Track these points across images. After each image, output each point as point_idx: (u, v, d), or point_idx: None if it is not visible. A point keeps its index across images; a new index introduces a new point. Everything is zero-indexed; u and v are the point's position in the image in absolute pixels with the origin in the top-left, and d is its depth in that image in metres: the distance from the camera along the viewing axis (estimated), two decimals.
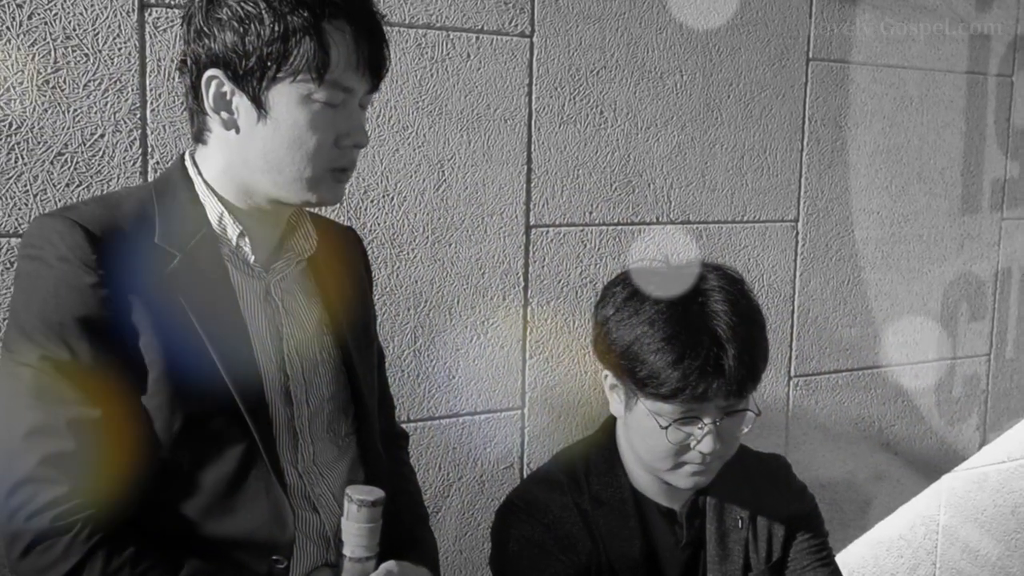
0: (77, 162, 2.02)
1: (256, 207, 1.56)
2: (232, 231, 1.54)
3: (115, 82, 2.04)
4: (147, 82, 2.07)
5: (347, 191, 2.28)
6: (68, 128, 2.01)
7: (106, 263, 1.42)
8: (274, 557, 1.52)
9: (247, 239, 1.55)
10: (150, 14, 2.07)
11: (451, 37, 2.41)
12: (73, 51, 2.00)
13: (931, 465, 3.42)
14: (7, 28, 1.94)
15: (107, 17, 2.02)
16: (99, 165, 2.04)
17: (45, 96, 1.98)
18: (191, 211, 1.54)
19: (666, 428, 1.72)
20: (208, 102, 1.50)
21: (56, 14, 1.98)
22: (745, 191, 2.89)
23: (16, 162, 1.97)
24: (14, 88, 1.95)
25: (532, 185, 2.55)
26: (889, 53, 3.12)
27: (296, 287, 1.64)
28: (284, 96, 1.48)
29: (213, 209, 1.54)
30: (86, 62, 2.01)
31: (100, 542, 1.39)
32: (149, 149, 2.09)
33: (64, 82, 2.00)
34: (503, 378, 2.57)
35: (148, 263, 1.46)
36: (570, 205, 2.61)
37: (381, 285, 2.37)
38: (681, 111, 2.76)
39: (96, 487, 1.41)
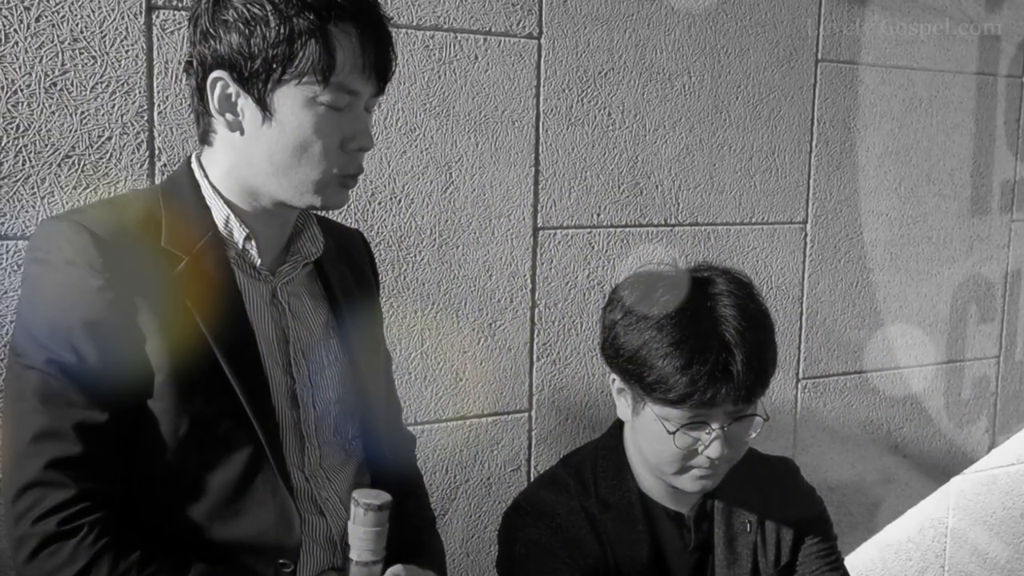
0: (84, 164, 2.02)
1: (262, 209, 1.56)
2: (238, 234, 1.54)
3: (123, 84, 2.04)
4: (155, 84, 2.07)
5: (354, 193, 2.28)
6: (75, 130, 2.01)
7: (112, 266, 1.42)
8: (280, 561, 1.52)
9: (253, 242, 1.55)
10: (158, 16, 2.07)
11: (458, 39, 2.40)
12: (80, 53, 2.00)
13: (940, 468, 3.41)
14: (15, 30, 1.94)
15: (115, 19, 2.02)
16: (107, 167, 2.04)
17: (52, 98, 1.98)
18: (197, 214, 1.54)
19: (673, 433, 1.72)
20: (213, 104, 1.50)
21: (64, 16, 1.98)
22: (753, 193, 2.88)
23: (24, 164, 1.97)
24: (22, 90, 1.95)
25: (540, 187, 2.55)
26: (898, 54, 3.11)
27: (303, 290, 1.64)
28: (289, 98, 1.47)
29: (219, 212, 1.54)
30: (93, 64, 2.01)
31: (106, 546, 1.40)
32: (157, 151, 2.08)
33: (71, 84, 1.99)
34: (510, 380, 2.57)
35: (154, 266, 1.46)
36: (578, 207, 2.61)
37: (388, 287, 2.37)
38: (689, 113, 2.75)
39: (102, 491, 1.42)
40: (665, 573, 1.87)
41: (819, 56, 2.96)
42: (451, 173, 2.42)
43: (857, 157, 3.07)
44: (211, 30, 1.49)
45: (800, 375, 3.04)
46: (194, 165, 1.58)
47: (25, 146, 1.97)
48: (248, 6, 1.46)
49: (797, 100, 2.94)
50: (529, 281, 2.56)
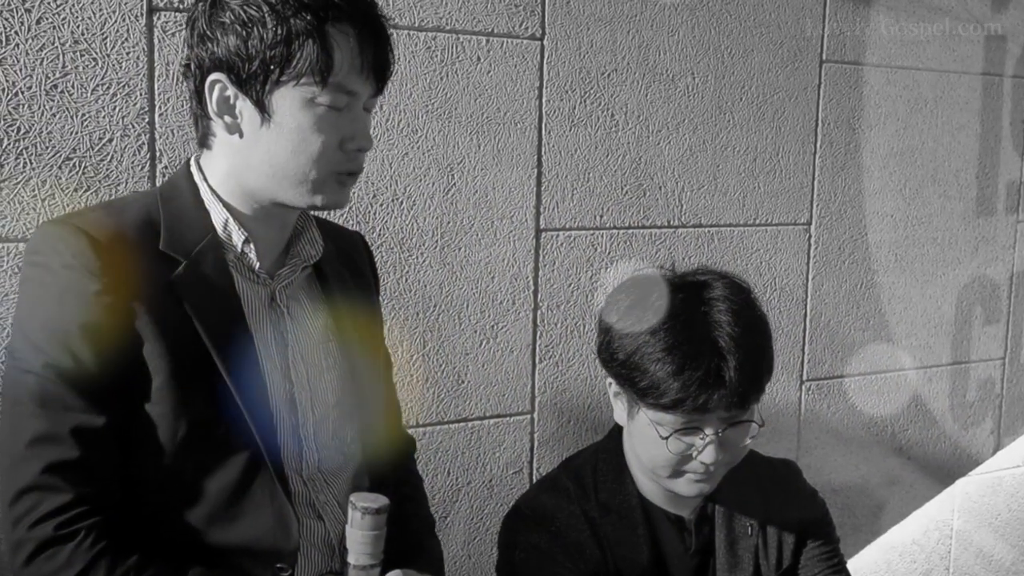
0: (85, 167, 2.02)
1: (261, 212, 1.56)
2: (237, 237, 1.54)
3: (123, 86, 2.04)
4: (155, 86, 2.07)
5: (356, 195, 2.28)
6: (76, 133, 2.01)
7: (110, 270, 1.41)
8: (278, 565, 1.51)
9: (252, 245, 1.55)
10: (158, 18, 2.06)
11: (461, 40, 2.40)
12: (81, 55, 2.00)
13: (945, 470, 3.40)
14: (15, 33, 1.93)
15: (115, 21, 2.02)
16: (107, 170, 2.04)
17: (53, 101, 1.98)
18: (196, 217, 1.53)
19: (666, 438, 1.71)
20: (212, 106, 1.50)
21: (64, 18, 1.97)
22: (757, 194, 2.87)
23: (24, 167, 1.97)
24: (22, 92, 1.95)
25: (542, 188, 2.54)
26: (903, 55, 3.10)
27: (302, 293, 1.64)
28: (287, 100, 1.47)
29: (218, 215, 1.54)
30: (94, 66, 2.01)
31: (104, 550, 1.39)
32: (158, 153, 2.08)
33: (72, 86, 1.99)
34: (512, 382, 2.56)
35: (152, 270, 1.46)
36: (580, 209, 2.60)
37: (390, 289, 2.36)
38: (693, 114, 2.74)
39: (100, 495, 1.42)
40: None
41: (823, 57, 2.95)
42: (453, 175, 2.42)
43: (862, 158, 3.06)
44: (208, 32, 1.48)
45: (804, 377, 3.03)
46: (193, 168, 1.58)
47: (26, 148, 1.97)
48: (245, 8, 1.45)
49: (801, 101, 2.93)
50: (531, 283, 2.56)
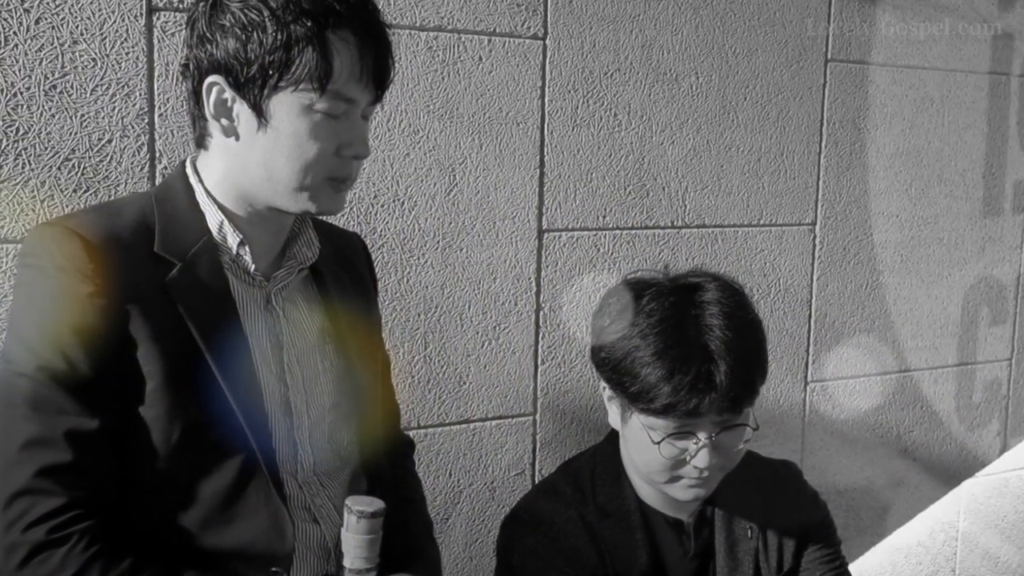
0: (85, 167, 2.01)
1: (257, 215, 1.55)
2: (232, 240, 1.53)
3: (123, 87, 2.03)
4: (155, 87, 2.07)
5: (357, 196, 2.28)
6: (75, 133, 2.00)
7: (104, 273, 1.41)
8: (273, 569, 1.50)
9: (247, 248, 1.54)
10: (158, 18, 2.06)
11: (462, 40, 2.39)
12: (80, 56, 1.99)
13: (950, 471, 3.38)
14: (14, 33, 1.93)
15: (115, 21, 2.01)
16: (107, 170, 2.03)
17: (52, 101, 1.98)
18: (191, 219, 1.53)
19: (659, 443, 1.70)
20: (209, 108, 1.49)
21: (63, 19, 1.97)
22: (762, 194, 2.86)
23: (23, 168, 1.96)
24: (21, 93, 1.95)
25: (545, 189, 2.53)
26: (909, 54, 3.08)
27: (298, 296, 1.63)
28: (285, 105, 1.46)
29: (213, 217, 1.53)
30: (94, 67, 2.00)
31: (97, 553, 1.39)
32: (157, 154, 2.08)
33: (71, 87, 1.99)
34: (515, 384, 2.55)
35: (147, 272, 1.45)
36: (583, 209, 2.59)
37: (391, 290, 2.36)
38: (696, 113, 2.73)
39: (93, 498, 1.41)
40: None
41: (829, 56, 2.93)
42: (455, 175, 2.41)
43: (867, 158, 3.05)
44: (208, 34, 1.48)
45: (808, 378, 3.01)
46: (188, 170, 1.57)
47: (25, 149, 1.96)
48: (245, 11, 1.44)
49: (806, 100, 2.91)
50: (534, 284, 2.55)
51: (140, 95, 2.05)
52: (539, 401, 2.59)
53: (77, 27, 1.98)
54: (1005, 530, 3.55)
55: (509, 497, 2.52)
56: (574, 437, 2.63)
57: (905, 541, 3.32)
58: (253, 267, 1.55)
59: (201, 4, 1.49)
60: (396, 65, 1.56)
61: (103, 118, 2.02)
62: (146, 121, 2.06)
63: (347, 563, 1.48)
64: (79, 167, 2.01)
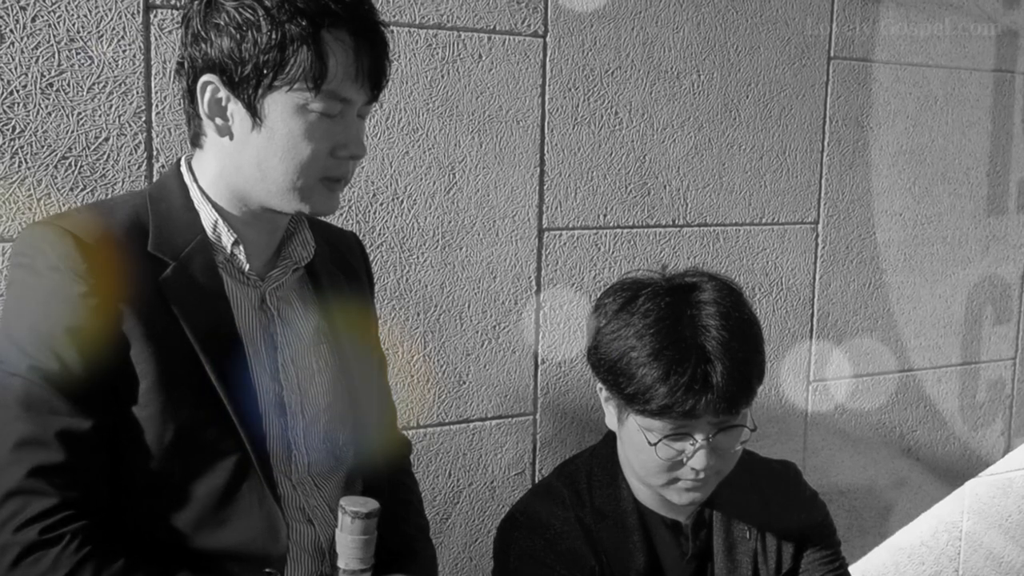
0: (81, 166, 2.01)
1: (251, 214, 1.54)
2: (227, 239, 1.52)
3: (120, 85, 2.03)
4: (152, 85, 2.06)
5: (356, 195, 2.27)
6: (72, 131, 1.99)
7: (97, 272, 1.40)
8: (267, 570, 1.50)
9: (242, 247, 1.53)
10: (155, 16, 2.05)
11: (462, 37, 2.38)
12: (77, 53, 1.98)
13: (954, 471, 3.37)
14: (10, 31, 1.92)
15: (112, 19, 2.00)
16: (104, 169, 2.03)
17: (49, 99, 1.97)
18: (185, 218, 1.52)
19: (655, 445, 1.69)
20: (203, 107, 1.49)
21: (60, 16, 1.96)
22: (764, 193, 2.85)
23: (20, 166, 1.96)
24: (17, 91, 1.94)
25: (545, 187, 2.52)
26: (913, 51, 3.06)
27: (293, 295, 1.62)
28: (280, 105, 1.45)
29: (208, 216, 1.53)
30: (90, 65, 2.00)
31: (89, 554, 1.38)
32: (154, 152, 2.07)
33: (68, 85, 1.98)
34: (515, 383, 2.54)
35: (140, 272, 1.45)
36: (584, 208, 2.58)
37: (390, 289, 2.35)
38: (698, 112, 2.71)
39: (86, 499, 1.40)
40: None
41: (831, 53, 2.92)
42: (454, 174, 2.40)
43: (870, 156, 3.03)
44: (202, 33, 1.47)
45: (811, 377, 3.00)
46: (183, 168, 1.56)
47: (21, 147, 1.95)
48: (240, 10, 1.43)
49: (809, 98, 2.90)
50: (534, 283, 2.53)
51: (137, 93, 2.04)
52: (539, 401, 2.58)
53: (74, 25, 1.97)
54: (1009, 530, 3.54)
55: (509, 497, 2.51)
56: (574, 437, 2.62)
57: (908, 541, 3.31)
58: (247, 267, 1.54)
59: (196, 2, 1.48)
60: (393, 64, 1.55)
61: (100, 116, 2.01)
62: (143, 119, 2.06)
63: (341, 564, 1.48)
64: (76, 166, 2.00)
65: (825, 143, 2.94)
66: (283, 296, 1.60)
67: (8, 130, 1.94)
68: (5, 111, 1.93)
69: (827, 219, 2.97)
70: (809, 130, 2.91)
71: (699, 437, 1.69)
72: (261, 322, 1.56)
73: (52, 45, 1.96)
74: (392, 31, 2.18)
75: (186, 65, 1.51)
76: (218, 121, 1.49)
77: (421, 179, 2.36)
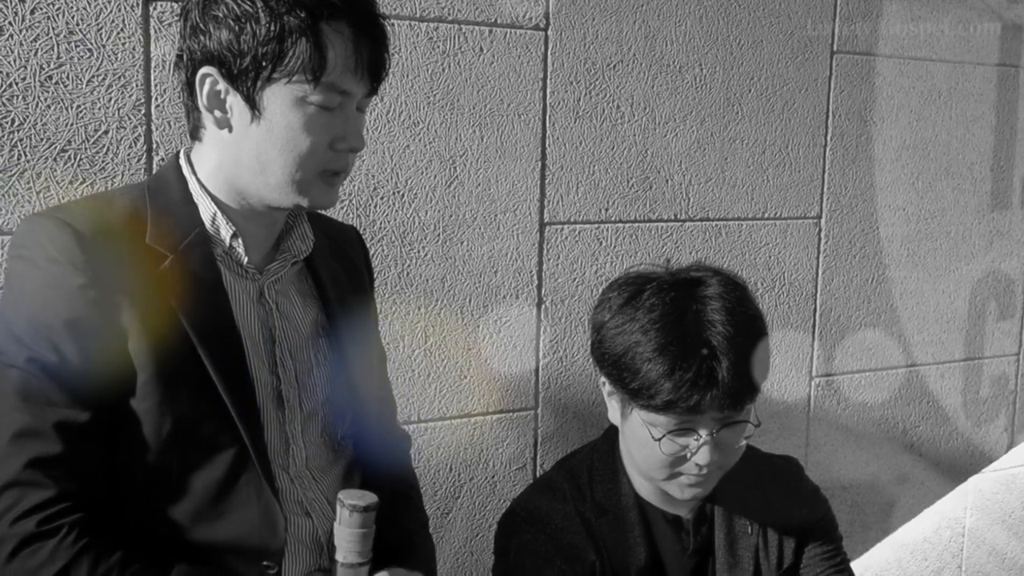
0: (81, 159, 2.00)
1: (250, 208, 1.54)
2: (225, 232, 1.52)
3: (119, 77, 2.02)
4: (151, 77, 2.05)
5: (356, 188, 2.26)
6: (71, 124, 1.99)
7: (95, 264, 1.40)
8: (265, 563, 1.50)
9: (240, 240, 1.53)
10: (155, 8, 2.04)
11: (463, 31, 2.37)
12: (76, 46, 1.98)
13: (957, 467, 3.36)
14: (9, 23, 1.92)
15: (111, 11, 2.00)
16: (103, 162, 2.02)
17: (48, 92, 1.96)
18: (184, 211, 1.51)
19: (659, 440, 1.68)
20: (202, 100, 1.48)
21: (59, 8, 1.96)
22: (766, 187, 2.84)
23: (19, 159, 1.95)
24: (16, 84, 1.94)
25: (546, 181, 2.51)
26: (917, 45, 3.05)
27: (291, 289, 1.62)
28: (278, 97, 1.45)
29: (206, 209, 1.52)
30: (89, 57, 1.99)
31: (87, 546, 1.38)
32: (154, 145, 2.06)
33: (67, 78, 1.98)
34: (516, 378, 2.53)
35: (138, 264, 1.44)
36: (585, 202, 2.57)
37: (391, 284, 2.34)
38: (700, 106, 2.70)
39: (83, 491, 1.40)
40: None
41: (834, 47, 2.90)
42: (455, 167, 2.39)
43: (873, 151, 3.02)
44: (201, 25, 1.46)
45: (813, 373, 2.99)
46: (182, 161, 1.56)
47: (20, 140, 1.95)
48: (239, 2, 1.43)
49: (812, 92, 2.89)
50: (535, 277, 2.53)
51: (136, 86, 2.04)
52: (540, 395, 2.57)
53: (73, 17, 1.97)
54: (1012, 526, 3.53)
55: (510, 492, 2.51)
56: (576, 432, 2.61)
57: (911, 537, 3.30)
58: (246, 259, 1.54)
59: None
60: (393, 57, 1.54)
61: (99, 109, 2.01)
62: (142, 112, 2.05)
63: (339, 557, 1.47)
64: (75, 158, 2.00)
65: (828, 138, 2.93)
66: (282, 289, 1.60)
67: (7, 123, 1.93)
68: (4, 104, 1.93)
69: (830, 214, 2.96)
70: (812, 125, 2.90)
71: (703, 432, 1.69)
72: (259, 315, 1.55)
73: (51, 38, 1.95)
74: (393, 24, 2.17)
75: (185, 58, 1.50)
76: (217, 114, 1.48)
77: (422, 173, 2.36)
